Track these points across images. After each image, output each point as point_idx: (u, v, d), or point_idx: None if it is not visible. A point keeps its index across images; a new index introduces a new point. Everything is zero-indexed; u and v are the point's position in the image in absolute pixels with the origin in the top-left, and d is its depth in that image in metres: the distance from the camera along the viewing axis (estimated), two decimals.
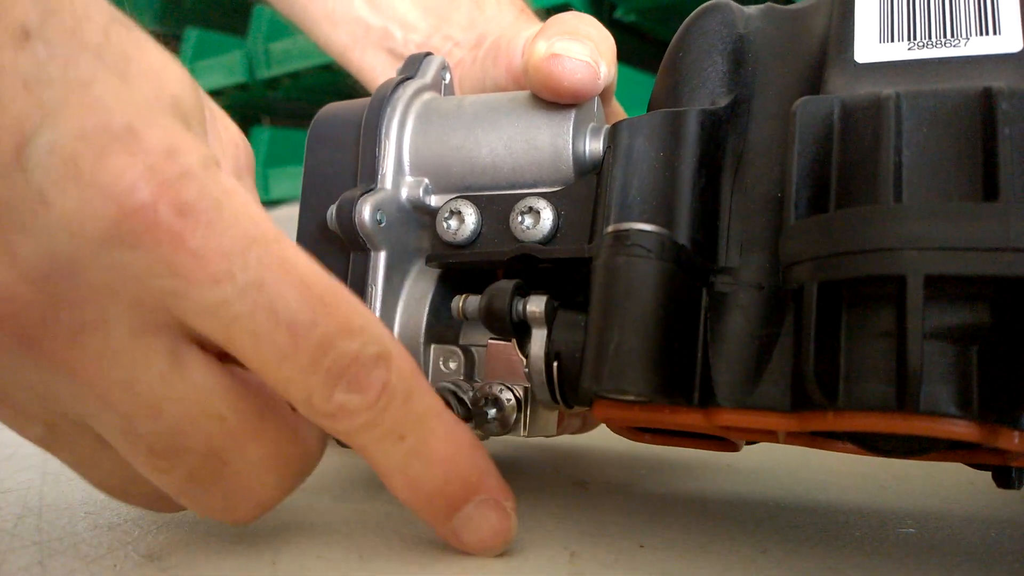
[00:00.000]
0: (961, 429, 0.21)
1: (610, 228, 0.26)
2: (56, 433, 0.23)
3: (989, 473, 0.29)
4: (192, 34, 2.05)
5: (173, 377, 0.21)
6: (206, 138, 0.24)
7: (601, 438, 0.47)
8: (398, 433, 0.23)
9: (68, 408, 0.22)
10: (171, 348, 0.21)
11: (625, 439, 0.30)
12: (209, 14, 2.23)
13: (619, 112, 0.40)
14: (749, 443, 0.31)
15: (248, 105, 2.08)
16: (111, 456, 0.23)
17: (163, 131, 0.21)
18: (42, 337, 0.20)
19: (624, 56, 0.35)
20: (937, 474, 0.40)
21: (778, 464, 0.42)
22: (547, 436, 0.33)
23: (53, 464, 0.38)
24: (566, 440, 0.48)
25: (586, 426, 0.43)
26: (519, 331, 0.29)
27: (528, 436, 0.30)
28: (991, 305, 0.21)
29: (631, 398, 0.25)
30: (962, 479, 0.39)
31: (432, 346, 0.32)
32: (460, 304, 0.31)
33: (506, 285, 0.29)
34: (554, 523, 0.30)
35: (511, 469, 0.40)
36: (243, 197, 0.22)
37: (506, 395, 0.30)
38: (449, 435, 0.24)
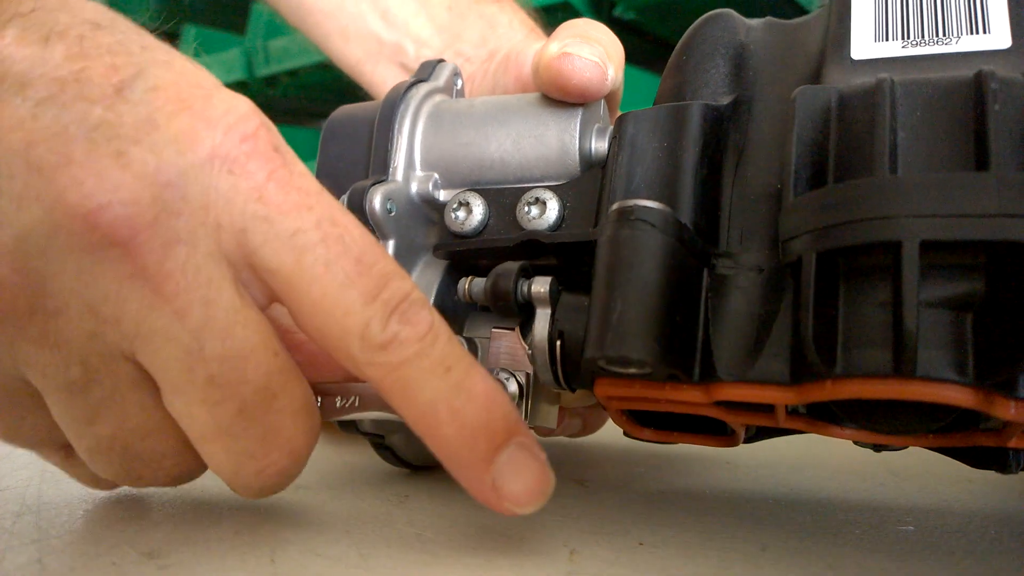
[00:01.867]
0: (957, 394, 0.21)
1: (615, 206, 0.26)
2: (90, 373, 0.23)
3: (988, 471, 0.29)
4: (191, 32, 2.05)
5: (242, 306, 0.23)
6: None
7: (600, 436, 0.47)
8: (445, 365, 0.24)
9: (128, 335, 0.22)
10: (235, 281, 0.23)
11: (624, 437, 0.30)
12: (208, 12, 2.23)
13: None
14: (747, 440, 0.31)
15: None
16: (138, 400, 0.24)
17: (243, 97, 0.24)
18: (143, 243, 0.22)
19: (624, 54, 0.35)
20: (936, 471, 0.40)
21: (777, 461, 0.42)
22: (547, 428, 0.33)
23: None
24: (565, 439, 0.48)
25: (587, 429, 0.43)
26: (524, 312, 0.30)
27: (529, 425, 0.31)
28: (984, 273, 0.22)
29: (633, 370, 0.25)
30: (961, 478, 0.39)
31: None
32: (466, 286, 0.31)
33: (512, 266, 0.29)
34: (553, 521, 0.30)
35: None
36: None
37: (510, 384, 0.30)
38: (487, 376, 0.25)
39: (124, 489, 0.34)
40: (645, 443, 0.31)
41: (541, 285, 0.29)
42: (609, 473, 0.40)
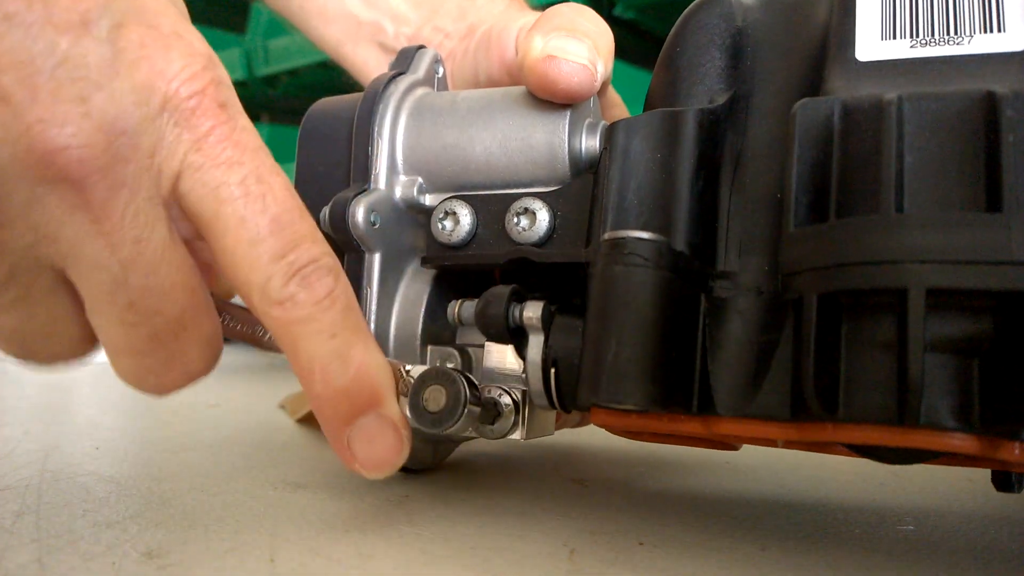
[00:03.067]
0: (961, 443, 0.21)
1: (606, 236, 0.26)
2: (15, 275, 0.24)
3: (988, 472, 0.29)
4: None
5: (171, 246, 0.25)
6: None
7: (599, 436, 0.47)
8: (331, 332, 0.26)
9: (61, 253, 0.24)
10: (169, 222, 0.25)
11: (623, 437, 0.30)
12: (207, 11, 2.22)
13: (615, 101, 0.39)
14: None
15: (247, 102, 2.06)
16: (50, 306, 0.25)
17: (199, 39, 0.26)
18: (92, 183, 0.23)
19: (623, 53, 0.34)
20: (936, 472, 0.40)
21: (777, 461, 0.42)
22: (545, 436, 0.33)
23: (52, 462, 0.38)
24: (564, 438, 0.48)
25: (584, 420, 0.43)
26: (516, 336, 0.29)
27: (526, 439, 0.30)
28: (993, 317, 0.21)
29: (630, 407, 0.24)
30: (961, 477, 0.39)
31: (429, 347, 0.32)
32: (456, 309, 0.31)
33: (502, 291, 0.29)
34: (553, 521, 0.30)
35: (509, 467, 0.40)
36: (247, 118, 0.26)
37: (504, 399, 0.30)
38: (369, 350, 0.27)
39: (123, 490, 0.34)
40: (645, 444, 0.31)
41: (533, 311, 0.28)
42: (609, 473, 0.40)
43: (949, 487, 0.37)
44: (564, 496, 0.34)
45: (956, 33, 0.24)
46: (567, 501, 0.33)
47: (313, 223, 0.26)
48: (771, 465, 0.41)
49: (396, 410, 0.27)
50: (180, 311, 0.25)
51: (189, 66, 0.25)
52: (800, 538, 0.29)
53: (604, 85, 0.35)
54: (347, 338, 0.26)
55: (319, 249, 0.26)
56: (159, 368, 0.26)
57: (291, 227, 0.25)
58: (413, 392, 0.28)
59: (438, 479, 0.37)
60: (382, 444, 0.27)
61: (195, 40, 0.26)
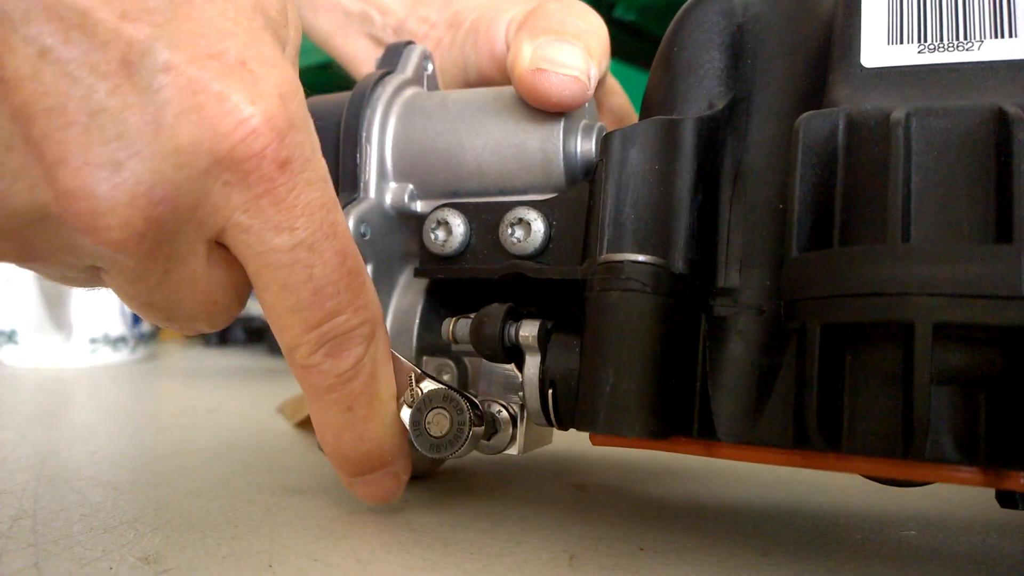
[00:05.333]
0: (966, 476, 0.21)
1: (602, 258, 0.25)
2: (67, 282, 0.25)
3: None
4: None
5: (206, 279, 0.24)
6: (295, 60, 0.26)
7: None
8: (348, 404, 0.27)
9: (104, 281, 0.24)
10: (208, 255, 0.24)
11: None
12: None
13: (615, 89, 0.39)
14: None
15: None
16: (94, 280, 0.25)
17: (274, 70, 0.22)
18: (130, 250, 0.22)
19: (624, 55, 0.34)
20: None
21: (778, 468, 0.42)
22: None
23: (49, 466, 0.38)
24: (564, 443, 0.47)
25: None
26: (512, 356, 0.28)
27: (522, 453, 0.30)
28: (1000, 350, 0.20)
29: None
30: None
31: (424, 358, 0.31)
32: (451, 328, 0.30)
33: (497, 310, 0.28)
34: (553, 526, 0.30)
35: (509, 473, 0.40)
36: (321, 157, 0.25)
37: (502, 415, 0.29)
38: (383, 419, 0.28)
39: (120, 495, 0.33)
40: (646, 450, 0.31)
41: (529, 330, 0.27)
42: (609, 478, 0.40)
43: (951, 493, 0.37)
44: (564, 501, 0.34)
45: (966, 38, 0.23)
46: (567, 506, 0.33)
47: (362, 285, 0.25)
48: (772, 471, 0.41)
49: (402, 463, 0.29)
50: (197, 315, 0.25)
51: (249, 120, 0.21)
52: (801, 544, 0.29)
53: (601, 81, 0.34)
54: (365, 411, 0.27)
55: (358, 319, 0.25)
56: (174, 327, 0.27)
57: (333, 299, 0.25)
58: (416, 411, 0.28)
59: (437, 484, 0.36)
60: (382, 491, 0.29)
61: (265, 70, 0.22)
